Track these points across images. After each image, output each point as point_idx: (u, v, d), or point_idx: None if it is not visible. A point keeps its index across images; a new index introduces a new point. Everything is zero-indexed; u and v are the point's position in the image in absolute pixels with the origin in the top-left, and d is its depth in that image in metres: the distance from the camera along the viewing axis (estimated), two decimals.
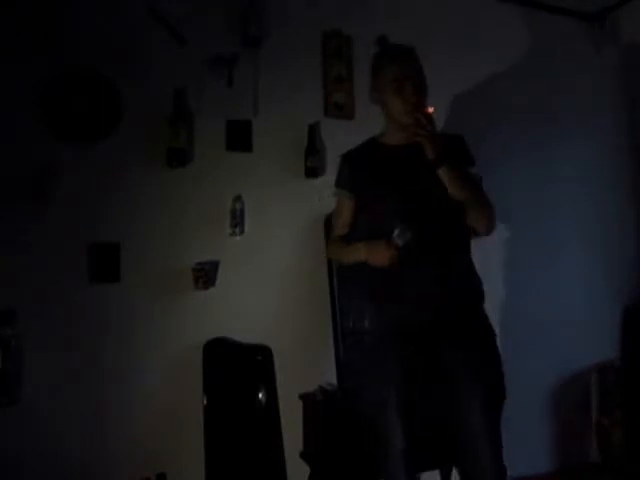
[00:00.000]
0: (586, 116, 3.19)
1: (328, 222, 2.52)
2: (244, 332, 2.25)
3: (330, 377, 2.40)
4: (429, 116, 1.73)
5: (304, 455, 2.31)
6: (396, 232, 1.71)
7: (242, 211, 2.37)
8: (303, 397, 2.35)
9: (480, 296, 1.86)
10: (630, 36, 3.28)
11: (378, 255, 1.74)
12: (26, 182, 2.10)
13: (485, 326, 1.84)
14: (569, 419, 3.04)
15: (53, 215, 2.13)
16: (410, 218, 1.75)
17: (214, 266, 2.32)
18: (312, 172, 2.49)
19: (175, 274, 2.29)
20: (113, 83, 2.22)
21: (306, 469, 2.27)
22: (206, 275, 2.28)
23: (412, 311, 1.75)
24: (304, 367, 2.42)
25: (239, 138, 2.42)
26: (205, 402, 2.20)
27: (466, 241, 1.87)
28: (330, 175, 2.55)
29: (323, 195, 2.36)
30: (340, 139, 2.57)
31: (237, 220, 2.36)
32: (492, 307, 2.61)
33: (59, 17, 2.16)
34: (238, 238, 2.37)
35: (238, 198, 2.37)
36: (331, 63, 2.60)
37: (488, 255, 2.72)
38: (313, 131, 2.49)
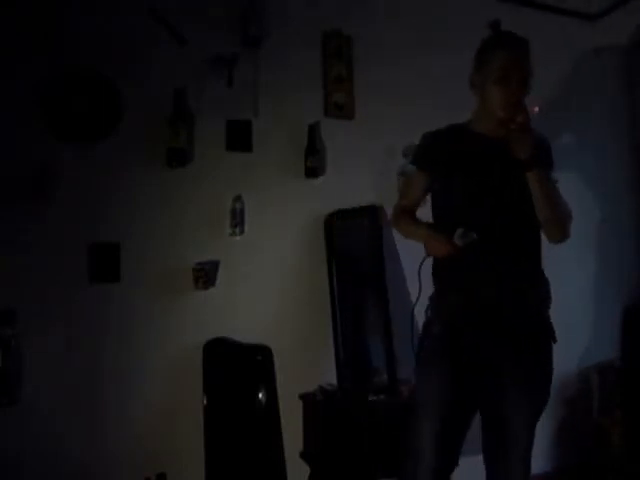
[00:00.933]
0: (586, 116, 3.19)
1: (328, 222, 2.53)
2: (244, 332, 2.25)
3: (330, 377, 2.40)
4: (528, 114, 1.62)
5: (304, 455, 2.31)
6: (458, 232, 1.67)
7: (242, 211, 2.37)
8: (303, 397, 2.35)
9: (544, 300, 1.78)
10: (630, 36, 3.29)
11: (435, 248, 1.72)
12: (26, 182, 2.10)
13: (544, 330, 1.76)
14: (569, 419, 3.04)
15: (53, 215, 2.13)
16: (481, 211, 1.71)
17: (214, 266, 2.32)
18: (312, 172, 2.49)
19: (175, 274, 2.29)
20: (113, 83, 2.22)
21: (306, 469, 2.27)
22: (206, 275, 2.28)
23: (476, 308, 1.71)
24: (304, 367, 2.42)
25: (239, 138, 2.42)
26: (205, 402, 2.20)
27: (537, 242, 1.80)
28: (330, 175, 2.56)
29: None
30: (340, 139, 2.58)
31: (237, 220, 2.36)
32: None
33: (59, 17, 2.16)
34: (238, 238, 2.37)
35: (238, 198, 2.37)
36: (331, 63, 2.60)
37: None
38: (313, 131, 2.49)
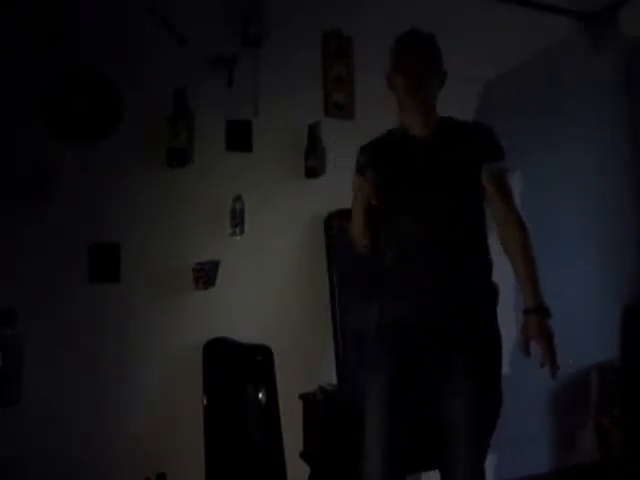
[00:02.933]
0: (586, 115, 3.19)
1: (328, 222, 2.53)
2: (244, 332, 2.25)
3: (330, 377, 2.40)
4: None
5: (304, 455, 2.31)
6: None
7: (242, 211, 2.37)
8: (303, 397, 2.35)
9: (488, 299, 1.79)
10: (630, 36, 3.29)
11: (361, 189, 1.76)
12: (26, 182, 2.10)
13: (490, 331, 1.77)
14: (569, 419, 3.04)
15: (53, 215, 2.13)
16: (422, 211, 1.73)
17: (214, 266, 2.32)
18: (312, 172, 2.49)
19: (175, 274, 2.29)
20: (113, 83, 2.22)
21: (306, 469, 2.27)
22: (206, 275, 2.28)
23: (415, 309, 1.72)
24: (304, 367, 2.42)
25: (239, 138, 2.42)
26: (205, 402, 2.20)
27: (482, 241, 1.80)
28: (330, 175, 2.56)
29: None
30: (340, 139, 2.58)
31: (237, 220, 2.36)
32: None
33: (59, 17, 2.16)
34: (238, 238, 2.37)
35: (238, 198, 2.37)
36: (331, 63, 2.60)
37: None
38: (313, 131, 2.49)
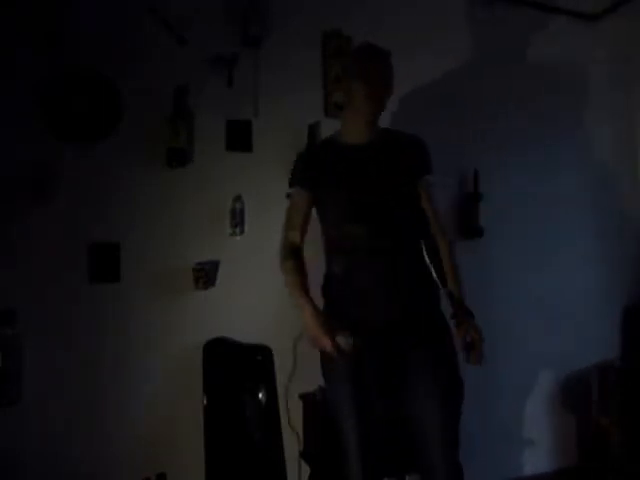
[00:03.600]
0: (585, 116, 3.19)
1: None
2: (244, 332, 2.25)
3: None
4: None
5: (304, 455, 2.31)
6: (340, 337, 1.71)
7: (242, 211, 2.37)
8: (303, 397, 2.35)
9: (435, 298, 1.87)
10: (629, 36, 3.29)
11: (313, 339, 1.74)
12: (26, 182, 2.10)
13: (441, 329, 1.84)
14: (569, 419, 3.04)
15: (53, 215, 2.13)
16: (372, 216, 1.80)
17: (214, 266, 2.32)
18: None
19: (175, 274, 2.29)
20: (113, 83, 2.22)
21: (306, 469, 2.27)
22: (206, 275, 2.28)
23: (369, 312, 1.79)
24: (304, 367, 2.41)
25: (239, 138, 2.42)
26: (205, 402, 2.20)
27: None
28: None
29: None
30: None
31: (237, 220, 2.36)
32: (494, 308, 2.62)
33: (59, 17, 2.16)
34: (238, 238, 2.37)
35: (238, 198, 2.37)
36: (331, 63, 2.60)
37: (489, 256, 2.73)
38: (313, 131, 2.49)
